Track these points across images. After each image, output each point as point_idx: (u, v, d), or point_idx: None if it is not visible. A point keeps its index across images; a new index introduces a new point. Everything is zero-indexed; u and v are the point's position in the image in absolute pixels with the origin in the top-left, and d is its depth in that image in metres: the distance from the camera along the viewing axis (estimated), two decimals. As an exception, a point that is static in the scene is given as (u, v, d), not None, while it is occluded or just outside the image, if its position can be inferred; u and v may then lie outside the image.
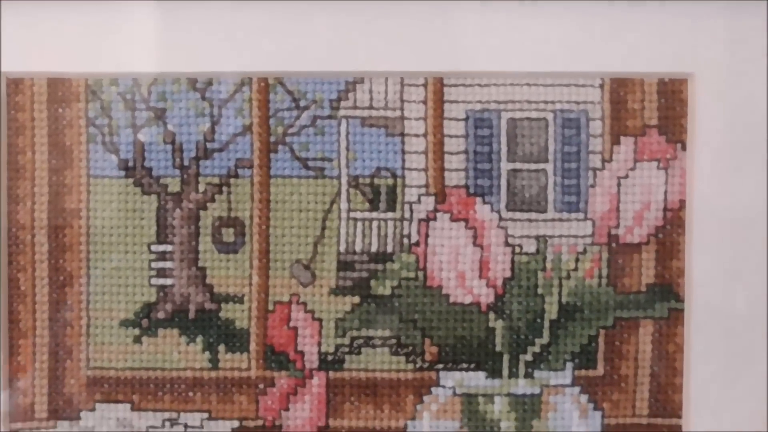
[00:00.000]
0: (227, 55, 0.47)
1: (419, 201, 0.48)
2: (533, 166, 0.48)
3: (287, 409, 0.48)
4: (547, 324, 0.48)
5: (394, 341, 0.48)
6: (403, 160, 0.48)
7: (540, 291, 0.48)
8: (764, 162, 0.47)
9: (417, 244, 0.48)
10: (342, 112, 0.48)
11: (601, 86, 0.48)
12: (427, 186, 0.48)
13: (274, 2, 0.46)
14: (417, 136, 0.48)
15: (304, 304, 0.48)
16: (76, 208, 0.48)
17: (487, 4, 0.47)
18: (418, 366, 0.48)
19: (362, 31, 0.47)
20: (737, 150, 0.47)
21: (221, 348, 0.48)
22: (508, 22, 0.47)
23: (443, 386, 0.48)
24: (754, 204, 0.47)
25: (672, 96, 0.48)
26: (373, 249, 0.48)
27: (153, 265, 0.48)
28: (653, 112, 0.48)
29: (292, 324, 0.48)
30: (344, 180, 0.48)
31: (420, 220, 0.48)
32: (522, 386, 0.48)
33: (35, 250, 0.48)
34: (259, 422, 0.48)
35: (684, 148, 0.48)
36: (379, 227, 0.48)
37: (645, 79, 0.48)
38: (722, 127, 0.47)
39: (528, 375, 0.48)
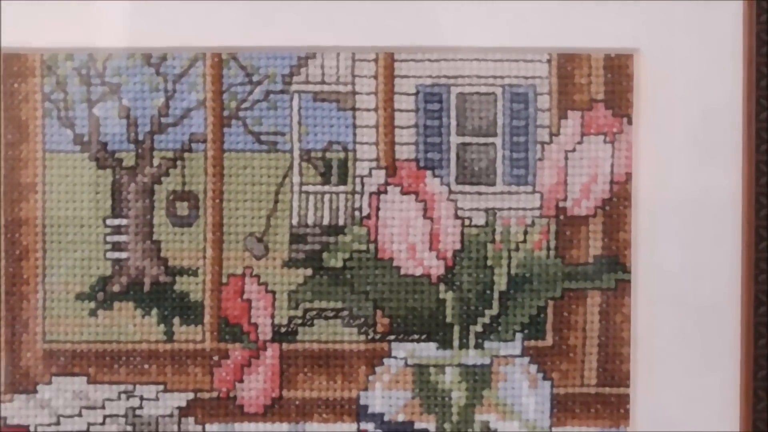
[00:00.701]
0: (181, 31, 0.48)
1: (370, 174, 0.49)
2: (482, 140, 0.49)
3: (241, 381, 0.49)
4: (496, 295, 0.49)
5: (346, 313, 0.49)
6: (355, 134, 0.49)
7: (489, 263, 0.49)
8: (708, 135, 0.48)
9: (368, 217, 0.49)
10: (294, 87, 0.49)
11: (549, 61, 0.49)
12: (378, 160, 0.49)
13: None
14: (368, 110, 0.49)
15: (258, 276, 0.49)
16: (31, 182, 0.49)
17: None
18: (370, 337, 0.49)
19: (314, 7, 0.47)
20: (682, 124, 0.48)
21: (176, 321, 0.49)
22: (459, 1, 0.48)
23: (395, 357, 0.49)
24: (698, 176, 0.49)
25: (618, 71, 0.49)
26: (325, 222, 0.49)
27: (108, 238, 0.48)
28: (600, 87, 0.49)
29: (245, 296, 0.49)
30: (296, 154, 0.49)
31: (371, 194, 0.49)
32: (472, 357, 0.49)
33: (30, 227, 0.48)
34: (214, 394, 0.49)
35: (630, 122, 0.49)
36: (330, 200, 0.49)
37: (592, 55, 0.49)
38: (668, 101, 0.49)
39: (478, 346, 0.49)
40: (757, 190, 0.48)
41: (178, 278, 0.49)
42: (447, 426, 0.49)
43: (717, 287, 0.48)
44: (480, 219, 0.49)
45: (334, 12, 0.47)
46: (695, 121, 0.48)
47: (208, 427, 0.49)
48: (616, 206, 0.49)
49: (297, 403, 0.49)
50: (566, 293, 0.49)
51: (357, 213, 0.49)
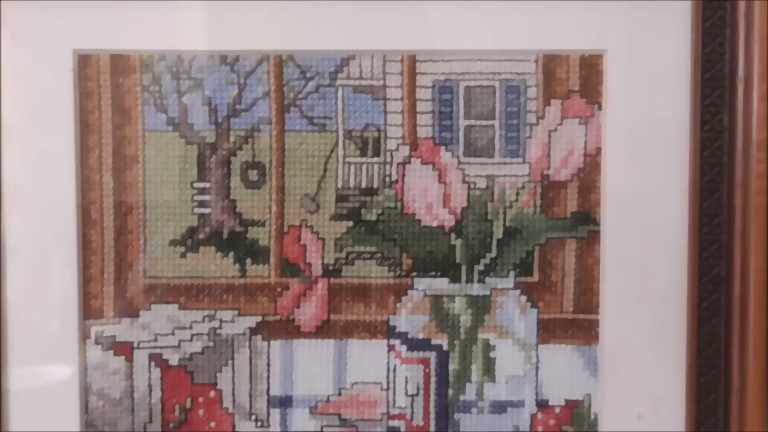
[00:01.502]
0: (251, 37, 0.57)
1: (398, 149, 0.59)
2: (484, 123, 0.59)
3: (299, 307, 0.59)
4: (494, 242, 0.59)
5: (379, 255, 0.59)
6: (385, 118, 0.58)
7: (489, 217, 0.59)
8: (661, 117, 0.57)
9: (396, 181, 0.59)
10: (339, 82, 0.58)
11: (536, 61, 0.58)
12: (403, 138, 0.59)
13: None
14: (395, 99, 0.58)
15: (311, 227, 0.59)
16: (134, 155, 0.58)
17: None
18: (397, 274, 0.59)
19: (354, 19, 0.57)
20: (641, 108, 0.57)
21: (248, 261, 0.59)
22: (465, 12, 0.57)
23: (416, 289, 0.59)
24: (652, 150, 0.58)
25: (591, 68, 0.58)
26: (363, 185, 0.59)
27: (195, 198, 0.58)
28: (576, 80, 0.58)
29: (301, 242, 0.59)
30: (341, 133, 0.58)
31: (398, 164, 0.59)
32: (476, 289, 0.59)
33: (103, 187, 0.58)
34: (277, 317, 0.59)
35: (600, 108, 0.58)
36: (367, 169, 0.59)
37: (570, 55, 0.58)
38: (630, 91, 0.58)
39: (481, 281, 0.59)
40: (702, 160, 0.57)
41: (249, 228, 0.59)
42: (456, 342, 0.59)
43: (667, 235, 0.58)
44: (482, 183, 0.59)
45: (369, 23, 0.57)
46: (651, 107, 0.57)
47: (272, 343, 0.59)
48: (589, 174, 0.58)
49: (341, 324, 0.59)
50: (549, 241, 0.59)
51: (387, 179, 0.59)
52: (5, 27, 0.56)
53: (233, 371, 0.59)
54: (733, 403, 0.57)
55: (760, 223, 0.56)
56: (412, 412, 0.59)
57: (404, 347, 0.59)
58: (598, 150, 0.58)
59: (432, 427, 0.59)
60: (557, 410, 0.59)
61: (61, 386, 0.58)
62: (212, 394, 0.59)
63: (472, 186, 0.59)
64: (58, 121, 0.57)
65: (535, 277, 0.59)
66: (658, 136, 0.58)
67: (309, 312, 0.59)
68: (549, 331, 0.59)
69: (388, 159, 0.59)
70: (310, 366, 0.59)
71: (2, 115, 0.56)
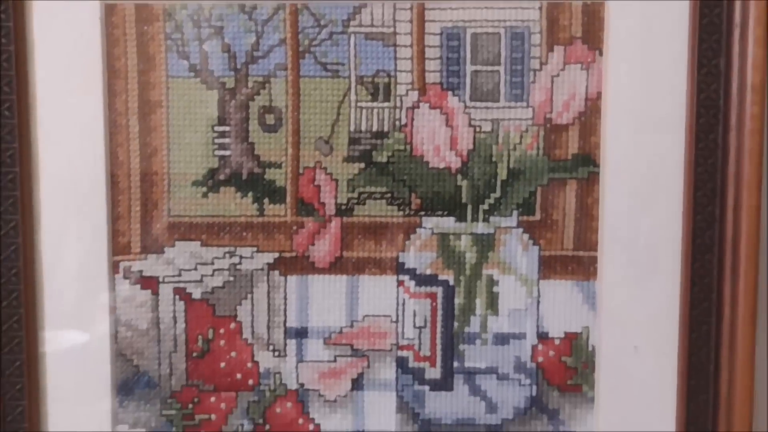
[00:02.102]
0: None
1: (407, 94, 0.61)
2: (490, 68, 0.60)
3: (313, 244, 0.62)
4: (499, 183, 0.61)
5: (389, 195, 0.61)
6: (396, 65, 0.60)
7: (494, 159, 0.61)
8: (658, 61, 0.59)
9: (405, 125, 0.61)
10: (351, 29, 0.60)
11: (540, 9, 0.60)
12: (412, 83, 0.61)
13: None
14: (405, 46, 0.60)
15: (325, 168, 0.61)
16: (158, 99, 0.61)
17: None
18: (406, 213, 0.62)
19: None
20: (639, 55, 0.59)
21: (266, 201, 0.61)
22: None
23: (424, 227, 0.62)
24: (650, 93, 0.59)
25: (592, 16, 0.60)
26: (374, 129, 0.61)
27: (215, 141, 0.61)
28: (578, 28, 0.60)
29: (316, 183, 0.61)
30: (353, 79, 0.61)
31: (407, 108, 0.61)
32: (481, 228, 0.62)
33: (129, 131, 0.60)
34: (293, 254, 0.62)
35: (601, 54, 0.60)
36: (378, 113, 0.61)
37: (572, 3, 0.59)
38: (629, 38, 0.59)
39: (485, 219, 0.62)
40: (698, 103, 0.58)
41: (267, 170, 0.61)
42: (462, 278, 0.62)
43: (663, 175, 0.60)
44: (487, 127, 0.61)
45: None
46: (650, 52, 0.59)
47: (288, 278, 0.62)
48: (589, 117, 0.61)
49: (353, 261, 0.62)
50: (551, 182, 0.61)
51: (397, 122, 0.61)
52: None
53: (252, 304, 0.62)
54: (723, 333, 0.59)
55: (754, 164, 0.58)
56: (420, 343, 0.62)
57: (413, 282, 0.62)
58: (599, 94, 0.60)
59: (438, 358, 0.63)
60: (557, 342, 0.62)
61: (92, 317, 0.61)
62: (232, 325, 0.62)
63: (477, 129, 0.61)
64: (87, 67, 0.60)
65: (537, 216, 0.62)
66: (657, 81, 0.60)
67: (323, 249, 0.62)
68: (550, 267, 0.62)
69: (398, 103, 0.61)
70: (324, 299, 0.62)
71: (36, 62, 0.59)
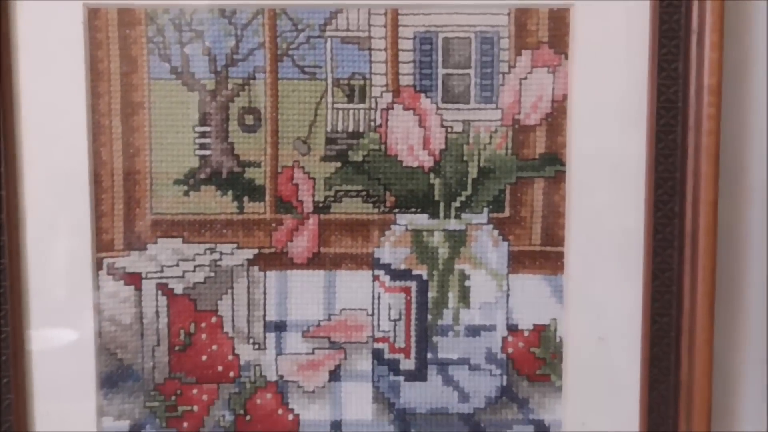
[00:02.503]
0: None
1: (381, 96, 0.63)
2: (461, 71, 0.63)
3: (291, 241, 0.64)
4: (470, 181, 0.64)
5: (364, 193, 0.63)
6: (371, 68, 0.62)
7: (465, 158, 0.63)
8: (619, 63, 0.61)
9: (380, 126, 0.63)
10: (328, 33, 0.62)
11: (509, 14, 0.62)
12: (387, 85, 0.63)
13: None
14: (380, 50, 0.62)
15: (303, 167, 0.63)
16: (140, 101, 0.62)
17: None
18: (381, 210, 0.64)
19: None
20: (603, 58, 0.62)
21: (245, 199, 0.63)
22: None
23: (399, 224, 0.64)
24: (615, 95, 0.62)
25: (559, 20, 0.62)
26: (350, 129, 0.63)
27: (197, 141, 0.62)
28: (545, 32, 0.62)
29: (294, 181, 0.63)
30: (329, 81, 0.62)
31: (382, 110, 0.63)
32: (453, 224, 0.64)
33: (112, 131, 0.62)
34: (272, 250, 0.64)
35: (567, 58, 0.62)
36: (353, 114, 0.63)
37: (539, 9, 0.62)
38: (594, 42, 0.62)
39: (457, 216, 0.64)
40: (658, 105, 0.60)
41: (246, 169, 0.63)
42: (435, 273, 0.64)
43: (626, 173, 0.62)
44: (458, 127, 0.63)
45: None
46: (614, 56, 0.62)
47: (268, 273, 0.64)
48: (556, 118, 0.63)
49: (330, 256, 0.64)
50: (519, 180, 0.64)
51: (372, 123, 0.63)
52: None
53: (233, 299, 0.64)
54: (683, 323, 0.62)
55: (711, 162, 0.60)
56: (395, 336, 0.65)
57: (388, 277, 0.64)
58: (565, 96, 0.63)
59: (412, 349, 0.65)
60: (526, 334, 0.65)
61: (77, 313, 0.63)
62: (214, 319, 0.64)
63: (449, 130, 0.63)
64: (70, 69, 0.61)
65: (507, 213, 0.64)
66: (620, 83, 0.62)
67: (301, 245, 0.64)
68: (519, 262, 0.64)
69: (373, 105, 0.63)
70: (303, 294, 0.64)
71: (20, 64, 0.60)
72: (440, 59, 0.62)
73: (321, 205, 0.63)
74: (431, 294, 0.64)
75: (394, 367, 0.65)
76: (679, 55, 0.61)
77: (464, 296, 0.64)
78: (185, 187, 0.63)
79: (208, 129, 0.63)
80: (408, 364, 0.65)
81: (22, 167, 0.61)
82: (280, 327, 0.64)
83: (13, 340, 0.62)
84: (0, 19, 0.60)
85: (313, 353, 0.64)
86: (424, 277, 0.64)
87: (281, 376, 0.65)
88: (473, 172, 0.63)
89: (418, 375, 0.65)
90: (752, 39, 0.64)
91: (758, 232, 0.65)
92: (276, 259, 0.64)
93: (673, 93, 0.61)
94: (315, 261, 0.64)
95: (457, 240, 0.64)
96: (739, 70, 0.64)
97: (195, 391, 0.64)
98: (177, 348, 0.64)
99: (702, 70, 0.60)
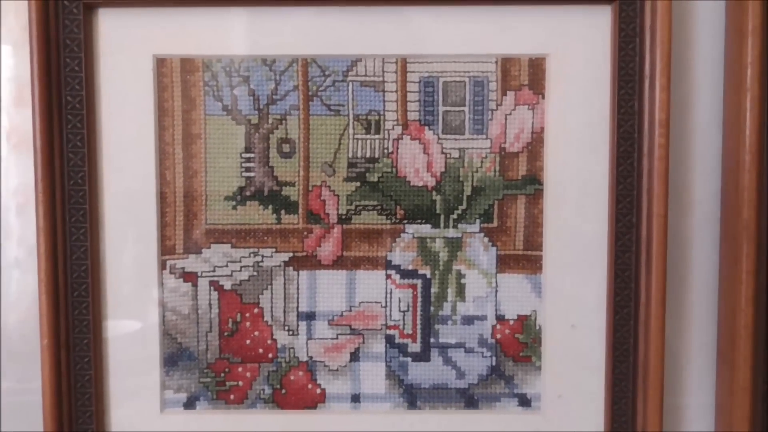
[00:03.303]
0: (284, 45, 0.70)
1: (393, 128, 0.71)
2: (457, 109, 0.71)
3: (320, 246, 0.72)
4: (465, 198, 0.71)
5: (379, 207, 0.71)
6: (384, 105, 0.71)
7: (461, 179, 0.71)
8: (590, 102, 0.70)
9: (392, 153, 0.71)
10: (350, 78, 0.70)
11: (496, 62, 0.70)
12: (397, 120, 0.71)
13: (313, 15, 0.69)
14: (391, 91, 0.70)
15: (329, 186, 0.71)
16: (198, 133, 0.71)
17: (434, 15, 0.69)
18: (393, 221, 0.72)
19: (361, 32, 0.70)
20: (575, 97, 0.70)
21: (282, 212, 0.71)
22: (444, 26, 0.69)
23: (407, 233, 0.72)
24: (583, 128, 0.70)
25: (537, 67, 0.70)
26: (367, 155, 0.71)
27: (243, 165, 0.71)
28: (526, 77, 0.70)
29: (322, 198, 0.71)
30: (351, 117, 0.71)
31: (393, 139, 0.71)
32: (451, 233, 0.72)
33: (174, 157, 0.71)
34: (304, 253, 0.72)
35: (543, 97, 0.70)
36: (370, 143, 0.71)
37: (521, 58, 0.70)
38: (565, 84, 0.70)
39: (454, 226, 0.72)
40: (619, 135, 0.69)
41: (283, 187, 0.71)
42: (436, 272, 0.72)
43: (593, 191, 0.70)
44: (455, 154, 0.71)
45: (372, 35, 0.70)
46: (581, 96, 0.70)
47: (300, 272, 0.72)
48: (535, 146, 0.71)
49: (351, 259, 0.72)
50: (505, 196, 0.72)
51: (385, 150, 0.71)
52: (102, 38, 0.70)
53: (271, 293, 0.73)
54: (640, 314, 0.71)
55: (661, 182, 0.69)
56: (404, 324, 0.73)
57: (398, 276, 0.72)
58: (542, 129, 0.71)
59: (418, 335, 0.73)
60: (511, 322, 0.73)
61: (144, 305, 0.73)
62: (256, 310, 0.73)
63: (448, 156, 0.71)
64: (142, 107, 0.71)
65: (495, 224, 0.72)
66: (586, 118, 0.70)
67: (327, 249, 0.72)
68: (505, 263, 0.72)
69: (386, 136, 0.71)
70: (329, 289, 0.73)
71: (102, 103, 0.71)
72: (440, 99, 0.70)
73: (344, 217, 0.72)
74: (433, 290, 0.73)
75: (403, 349, 0.73)
76: (635, 95, 0.70)
77: (460, 291, 0.73)
78: (233, 203, 0.71)
79: (252, 155, 0.71)
80: (414, 347, 0.73)
81: (102, 187, 0.71)
82: (310, 316, 0.73)
83: (93, 327, 0.72)
84: (86, 67, 0.70)
85: (337, 338, 0.73)
86: (428, 276, 0.72)
87: (311, 357, 0.74)
88: (467, 190, 0.72)
89: (423, 356, 0.73)
90: (696, 81, 0.73)
91: (701, 240, 0.74)
92: (307, 261, 0.72)
93: (630, 126, 0.70)
94: (339, 262, 0.72)
95: (455, 245, 0.72)
96: (685, 107, 0.73)
97: (240, 369, 0.74)
98: (226, 334, 0.73)
99: (654, 108, 0.69)
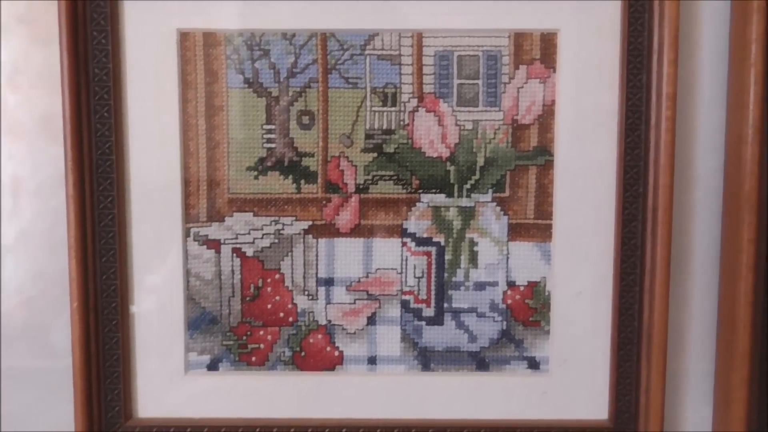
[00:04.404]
0: (304, 19, 0.70)
1: (409, 101, 0.71)
2: (471, 82, 0.71)
3: (338, 215, 0.72)
4: (478, 168, 0.72)
5: (395, 177, 0.72)
6: (401, 78, 0.71)
7: (474, 150, 0.72)
8: (601, 77, 0.70)
9: (408, 124, 0.71)
10: (367, 52, 0.70)
11: (509, 37, 0.70)
12: (413, 93, 0.71)
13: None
14: (408, 65, 0.71)
15: (347, 157, 0.72)
16: (220, 105, 0.71)
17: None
18: (408, 191, 0.72)
19: (378, 6, 0.70)
20: (585, 71, 0.70)
21: (302, 182, 0.72)
22: (458, 2, 0.69)
23: (422, 202, 0.72)
24: (592, 101, 0.70)
25: (548, 42, 0.70)
26: (384, 127, 0.71)
27: (264, 136, 0.71)
28: (538, 51, 0.71)
29: (340, 168, 0.72)
30: (368, 90, 0.71)
31: (409, 112, 0.71)
32: (465, 202, 0.72)
33: (198, 129, 0.71)
34: (323, 222, 0.73)
35: (554, 71, 0.71)
36: (387, 115, 0.71)
37: (533, 33, 0.70)
38: (576, 58, 0.70)
39: (468, 195, 0.72)
40: (627, 108, 0.70)
41: (303, 158, 0.72)
42: (450, 240, 0.73)
43: (601, 162, 0.71)
44: (469, 125, 0.71)
45: (389, 9, 0.70)
46: (591, 69, 0.70)
47: (319, 240, 0.73)
48: (546, 119, 0.71)
49: (368, 227, 0.73)
50: (517, 167, 0.72)
51: (401, 122, 0.71)
52: (128, 13, 0.70)
53: (292, 260, 0.73)
54: (645, 280, 0.72)
55: (667, 153, 0.70)
56: (419, 289, 0.74)
57: (413, 243, 0.73)
58: (553, 101, 0.71)
59: (432, 300, 0.74)
60: (521, 288, 0.74)
61: (170, 270, 0.73)
62: (277, 276, 0.74)
63: (462, 128, 0.71)
64: (166, 80, 0.71)
65: (507, 193, 0.72)
66: (596, 91, 0.71)
67: (345, 218, 0.73)
68: (516, 232, 0.73)
69: (402, 108, 0.71)
70: (346, 256, 0.73)
71: (128, 77, 0.71)
72: (455, 72, 0.71)
73: (361, 186, 0.72)
74: (447, 257, 0.73)
75: (417, 314, 0.74)
76: (643, 69, 0.70)
77: (473, 259, 0.73)
78: (255, 173, 0.72)
79: (273, 127, 0.71)
80: (429, 312, 0.74)
81: (129, 157, 0.71)
82: (328, 282, 0.74)
83: (120, 292, 0.73)
84: (112, 41, 0.70)
85: (354, 303, 0.74)
86: (442, 244, 0.73)
87: (329, 321, 0.74)
88: (480, 161, 0.72)
89: (437, 320, 0.74)
90: (702, 56, 0.73)
91: (705, 209, 0.74)
92: (326, 229, 0.73)
93: (638, 99, 0.70)
94: (356, 231, 0.73)
95: (468, 214, 0.73)
96: (691, 81, 0.73)
97: (261, 332, 0.75)
98: (248, 298, 0.74)
99: (661, 81, 0.69)
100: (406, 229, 0.73)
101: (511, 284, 0.74)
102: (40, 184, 0.75)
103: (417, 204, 0.73)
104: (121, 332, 0.73)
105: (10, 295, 0.77)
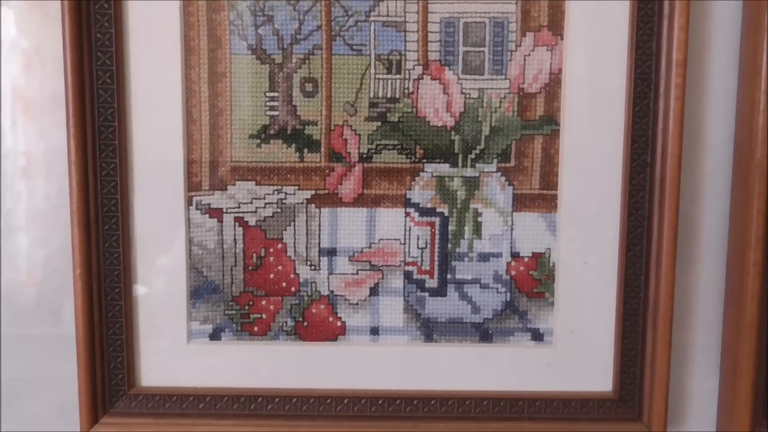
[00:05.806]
0: None
1: (414, 69, 0.68)
2: (477, 49, 0.68)
3: (341, 184, 0.70)
4: (483, 137, 0.69)
5: (399, 146, 0.69)
6: (405, 46, 0.68)
7: (479, 119, 0.69)
8: (607, 44, 0.67)
9: (412, 93, 0.68)
10: (372, 18, 0.67)
11: (516, 3, 0.67)
12: (418, 60, 0.68)
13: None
14: (413, 32, 0.67)
15: (351, 126, 0.69)
16: (223, 71, 0.68)
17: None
18: (412, 160, 0.69)
19: None
20: (593, 38, 0.67)
21: (305, 150, 0.69)
22: None
23: (426, 172, 0.69)
24: (600, 69, 0.67)
25: (556, 9, 0.67)
26: (388, 95, 0.68)
27: (267, 104, 0.68)
28: (545, 18, 0.67)
29: (344, 137, 0.69)
30: (373, 57, 0.68)
31: (414, 80, 0.68)
32: (469, 172, 0.70)
33: (201, 95, 0.68)
34: (326, 191, 0.70)
35: (562, 38, 0.67)
36: (391, 83, 0.68)
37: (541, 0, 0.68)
38: (584, 26, 0.67)
39: (472, 165, 0.69)
40: (635, 76, 0.66)
41: (306, 126, 0.69)
42: (454, 210, 0.70)
43: (608, 131, 0.68)
44: (475, 94, 0.68)
45: None
46: (600, 37, 0.67)
47: (322, 210, 0.70)
48: (553, 87, 0.68)
49: (371, 197, 0.70)
50: (523, 137, 0.69)
51: (406, 91, 0.68)
52: None
53: (294, 230, 0.71)
54: (652, 252, 0.68)
55: (677, 122, 0.66)
56: (422, 260, 0.71)
57: (417, 214, 0.70)
58: (560, 70, 0.68)
59: (436, 271, 0.71)
60: (526, 260, 0.71)
61: (172, 239, 0.71)
62: (279, 246, 0.71)
63: (467, 96, 0.68)
64: (169, 46, 0.68)
65: (512, 163, 0.70)
66: (605, 59, 0.67)
67: (348, 187, 0.70)
68: (521, 202, 0.70)
69: (407, 76, 0.68)
70: (349, 226, 0.70)
71: (130, 43, 0.68)
72: (461, 39, 0.68)
73: (365, 155, 0.69)
74: (451, 227, 0.71)
75: (420, 285, 0.72)
76: (653, 35, 0.66)
77: (477, 229, 0.71)
78: (258, 141, 0.69)
79: (276, 94, 0.69)
80: (432, 282, 0.72)
81: (131, 123, 0.68)
82: (331, 252, 0.71)
83: (123, 259, 0.70)
84: (115, 5, 0.66)
85: (357, 273, 0.72)
86: (446, 214, 0.70)
87: (332, 291, 0.72)
88: (486, 130, 0.69)
89: (440, 291, 0.72)
90: (713, 21, 0.69)
91: (713, 179, 0.71)
92: (329, 199, 0.70)
93: (648, 66, 0.67)
94: (359, 200, 0.70)
95: (472, 184, 0.70)
96: (702, 47, 0.69)
97: (264, 302, 0.72)
98: (250, 268, 0.71)
99: (671, 48, 0.66)
100: (409, 199, 0.70)
101: (515, 255, 0.71)
102: (45, 151, 0.72)
103: (421, 174, 0.70)
104: (123, 300, 0.70)
105: (18, 269, 0.74)
